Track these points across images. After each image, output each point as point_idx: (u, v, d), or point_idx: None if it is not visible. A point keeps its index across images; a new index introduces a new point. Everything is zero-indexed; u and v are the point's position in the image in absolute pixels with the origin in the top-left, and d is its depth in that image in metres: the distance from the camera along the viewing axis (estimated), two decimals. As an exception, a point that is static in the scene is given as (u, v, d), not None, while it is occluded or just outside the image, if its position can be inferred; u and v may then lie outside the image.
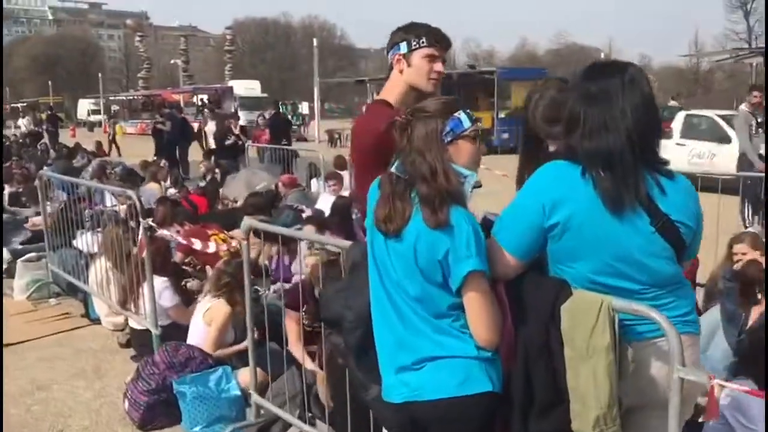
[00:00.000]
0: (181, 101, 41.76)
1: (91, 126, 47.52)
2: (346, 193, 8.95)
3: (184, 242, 5.48)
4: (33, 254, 7.51)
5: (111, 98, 50.46)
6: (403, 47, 2.46)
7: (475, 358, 1.88)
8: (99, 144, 19.79)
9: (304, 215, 8.25)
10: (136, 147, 25.54)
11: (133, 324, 4.84)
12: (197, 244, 5.27)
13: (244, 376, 3.79)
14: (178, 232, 6.48)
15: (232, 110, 33.16)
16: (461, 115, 1.97)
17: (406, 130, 1.94)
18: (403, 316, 1.94)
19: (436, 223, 1.82)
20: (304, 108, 40.88)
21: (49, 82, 57.53)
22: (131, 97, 48.16)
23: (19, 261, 6.43)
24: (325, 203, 8.86)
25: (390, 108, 2.49)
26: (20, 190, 9.48)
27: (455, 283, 1.83)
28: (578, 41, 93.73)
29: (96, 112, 52.16)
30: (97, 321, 5.60)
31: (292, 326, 4.23)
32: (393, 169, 1.95)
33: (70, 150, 18.01)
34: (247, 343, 3.92)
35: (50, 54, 74.58)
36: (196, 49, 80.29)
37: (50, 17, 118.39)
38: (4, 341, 5.12)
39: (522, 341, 1.93)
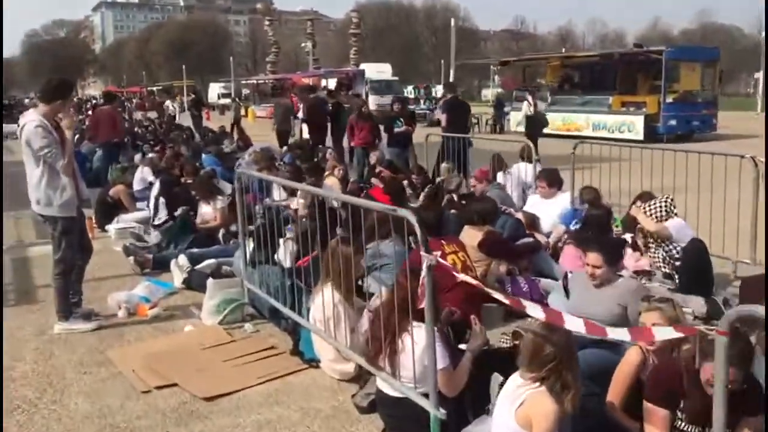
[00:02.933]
0: (310, 85, 41.44)
1: (222, 109, 48.28)
2: (565, 196, 7.37)
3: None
4: (212, 261, 6.53)
5: (242, 82, 51.15)
6: None
7: None
8: (241, 130, 19.25)
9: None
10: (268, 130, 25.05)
11: (385, 387, 3.54)
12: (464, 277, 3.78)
13: None
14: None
15: (363, 94, 32.26)
16: None
17: None
18: None
19: None
20: (438, 91, 39.27)
21: (183, 66, 59.16)
22: (261, 81, 48.53)
23: (211, 280, 5.31)
24: (537, 206, 7.35)
25: None
26: (189, 181, 8.60)
27: None
28: (719, 20, 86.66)
29: (226, 95, 53.00)
30: (313, 362, 4.38)
31: (656, 426, 2.76)
32: None
33: (216, 135, 17.49)
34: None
35: (183, 39, 77.31)
36: (318, 34, 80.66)
37: (182, 3, 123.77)
38: (212, 392, 3.99)
39: None
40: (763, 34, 46.26)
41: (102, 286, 6.23)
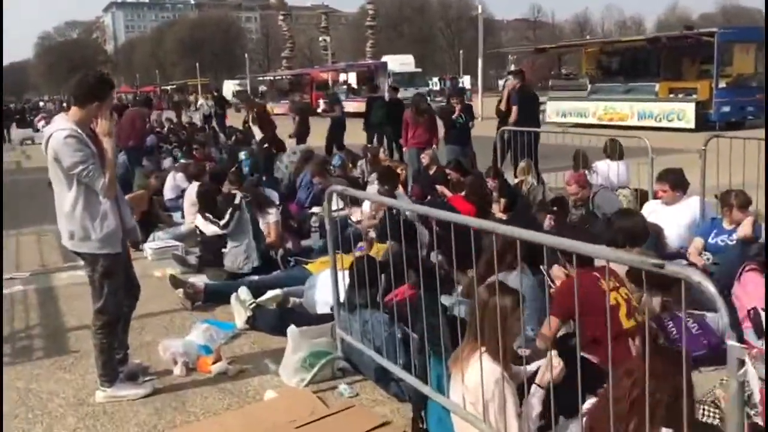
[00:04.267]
0: (329, 80, 40.41)
1: (237, 107, 47.14)
2: (693, 201, 6.13)
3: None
4: (277, 292, 5.37)
5: (259, 78, 50.05)
6: None
7: None
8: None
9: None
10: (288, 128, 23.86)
11: None
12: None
13: None
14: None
15: (386, 87, 31.10)
16: None
17: None
18: None
19: None
20: (465, 82, 37.98)
21: (197, 64, 58.14)
22: (278, 77, 47.41)
23: (293, 329, 4.08)
24: (657, 215, 6.10)
25: None
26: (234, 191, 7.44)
27: None
28: (741, 3, 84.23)
29: (241, 93, 51.83)
30: (448, 449, 3.21)
31: None
32: None
33: (245, 134, 16.34)
34: None
35: (195, 37, 76.46)
36: (330, 28, 79.47)
37: (192, 1, 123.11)
38: None
39: None
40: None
41: (147, 327, 5.10)
